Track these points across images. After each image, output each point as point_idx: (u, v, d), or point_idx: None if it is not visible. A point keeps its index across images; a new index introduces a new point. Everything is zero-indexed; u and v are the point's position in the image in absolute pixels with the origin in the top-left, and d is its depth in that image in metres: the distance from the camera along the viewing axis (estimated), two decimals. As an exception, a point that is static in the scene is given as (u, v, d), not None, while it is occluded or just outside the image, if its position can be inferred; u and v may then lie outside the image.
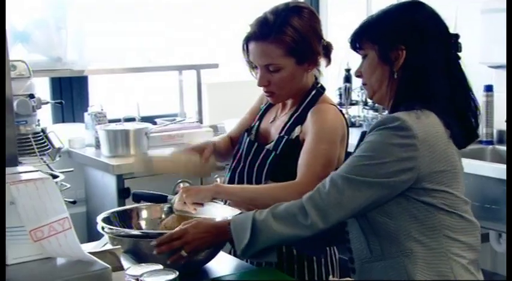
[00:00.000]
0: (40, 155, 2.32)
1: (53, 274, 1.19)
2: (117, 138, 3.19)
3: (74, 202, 2.30)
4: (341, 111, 2.03)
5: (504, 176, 2.77)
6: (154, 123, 3.56)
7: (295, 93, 2.03)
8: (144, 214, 2.00)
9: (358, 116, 3.95)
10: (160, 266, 1.50)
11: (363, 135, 1.67)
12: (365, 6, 3.92)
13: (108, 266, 1.21)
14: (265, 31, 1.92)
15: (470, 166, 2.94)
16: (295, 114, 2.02)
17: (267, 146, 2.02)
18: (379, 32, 1.67)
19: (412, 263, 1.59)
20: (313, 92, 2.03)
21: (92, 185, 3.35)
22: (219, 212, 1.91)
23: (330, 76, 3.49)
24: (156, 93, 3.91)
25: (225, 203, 1.98)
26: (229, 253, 1.96)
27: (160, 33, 3.78)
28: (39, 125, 2.43)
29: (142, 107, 3.52)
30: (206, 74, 3.79)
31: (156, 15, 3.78)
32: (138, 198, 2.12)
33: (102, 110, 3.38)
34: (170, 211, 1.95)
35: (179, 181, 3.07)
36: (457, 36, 1.68)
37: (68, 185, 2.22)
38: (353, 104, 3.96)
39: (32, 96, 2.36)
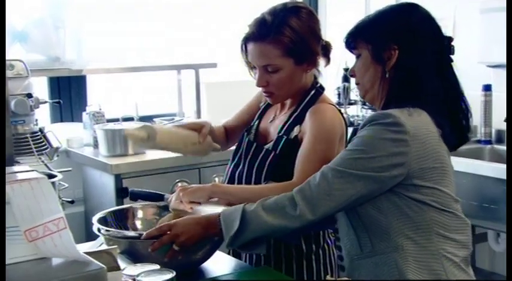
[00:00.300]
0: (38, 155, 2.31)
1: (48, 274, 1.19)
2: (115, 138, 3.19)
3: (72, 202, 2.30)
4: (339, 110, 2.03)
5: (502, 176, 2.77)
6: (153, 123, 3.55)
7: (294, 93, 2.02)
8: (140, 213, 2.00)
9: (357, 116, 3.94)
10: (157, 266, 1.50)
11: (355, 131, 1.68)
12: (364, 6, 3.91)
13: (104, 266, 1.21)
14: (263, 32, 1.92)
15: (469, 165, 2.95)
16: (294, 114, 2.01)
17: (266, 146, 2.02)
18: (373, 32, 1.68)
19: (403, 260, 1.59)
20: (313, 92, 2.03)
21: (90, 185, 3.35)
22: (216, 211, 1.90)
23: (329, 76, 3.49)
24: (154, 93, 3.90)
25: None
26: (228, 253, 1.96)
27: (160, 33, 3.78)
28: (37, 124, 2.42)
29: (141, 106, 3.52)
30: (204, 74, 3.79)
31: (155, 15, 3.78)
32: (135, 196, 2.13)
33: (100, 109, 3.38)
34: (166, 209, 1.95)
35: (177, 180, 3.07)
36: (450, 39, 1.70)
37: (66, 185, 2.22)
38: (351, 103, 3.95)
39: (30, 95, 2.35)
